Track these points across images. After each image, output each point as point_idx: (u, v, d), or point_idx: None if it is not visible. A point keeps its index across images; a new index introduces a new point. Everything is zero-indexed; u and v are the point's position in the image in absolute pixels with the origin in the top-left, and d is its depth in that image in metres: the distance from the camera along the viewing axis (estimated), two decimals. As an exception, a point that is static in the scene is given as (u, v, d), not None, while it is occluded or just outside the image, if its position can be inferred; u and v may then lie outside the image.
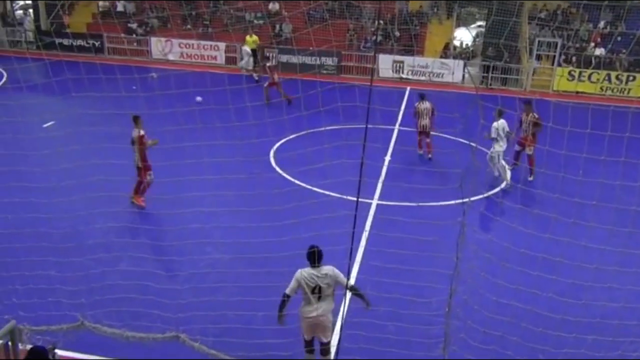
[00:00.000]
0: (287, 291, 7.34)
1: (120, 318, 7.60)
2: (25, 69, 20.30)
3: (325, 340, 7.52)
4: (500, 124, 13.69)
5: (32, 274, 8.14)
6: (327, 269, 7.37)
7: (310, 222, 9.72)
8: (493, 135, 13.62)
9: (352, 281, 8.62)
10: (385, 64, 26.15)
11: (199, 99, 18.96)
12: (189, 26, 28.91)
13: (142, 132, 12.15)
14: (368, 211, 12.38)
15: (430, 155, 15.91)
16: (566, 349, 7.50)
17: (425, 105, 15.70)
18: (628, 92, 24.51)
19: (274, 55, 26.51)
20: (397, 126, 18.80)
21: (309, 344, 7.52)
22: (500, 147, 13.80)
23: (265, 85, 20.03)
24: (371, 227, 11.59)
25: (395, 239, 9.43)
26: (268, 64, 21.27)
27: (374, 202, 12.97)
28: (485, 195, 12.92)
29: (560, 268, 8.41)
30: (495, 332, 7.86)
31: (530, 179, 14.21)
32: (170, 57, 27.78)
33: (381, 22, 28.15)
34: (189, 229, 10.43)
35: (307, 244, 8.91)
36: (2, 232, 9.11)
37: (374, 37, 27.44)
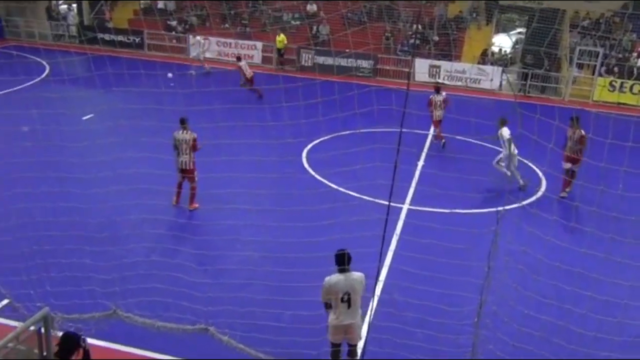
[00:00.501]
0: (322, 299, 7.23)
1: (151, 308, 7.71)
2: (68, 63, 20.90)
3: (354, 343, 7.48)
4: (504, 131, 14.01)
5: (67, 262, 8.33)
6: (357, 275, 7.24)
7: (340, 224, 9.73)
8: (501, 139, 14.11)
9: (379, 285, 8.59)
10: (421, 68, 25.98)
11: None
12: (227, 25, 29.22)
13: (195, 135, 12.10)
14: (399, 215, 12.32)
15: (443, 141, 16.82)
16: (598, 366, 7.34)
17: (440, 97, 16.75)
18: (671, 105, 23.85)
19: (311, 56, 26.63)
20: (431, 131, 18.65)
21: (336, 345, 7.50)
22: (504, 152, 14.09)
23: (241, 83, 20.87)
24: (402, 231, 11.52)
25: (425, 244, 9.35)
26: (241, 64, 21.51)
27: (405, 206, 12.90)
28: (520, 204, 12.72)
29: (595, 284, 8.21)
30: (524, 346, 7.72)
31: (563, 195, 13.84)
32: (208, 55, 28.09)
33: (419, 26, 28.00)
34: (222, 225, 10.54)
35: (337, 245, 8.90)
36: (39, 221, 9.33)
37: (411, 41, 27.29)
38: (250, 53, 27.57)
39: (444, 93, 17.07)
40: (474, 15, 28.85)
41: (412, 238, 10.32)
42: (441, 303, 8.35)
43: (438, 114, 16.71)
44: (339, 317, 7.15)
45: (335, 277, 7.12)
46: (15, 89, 19.76)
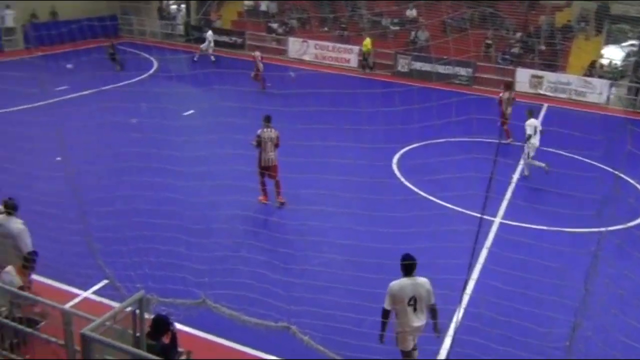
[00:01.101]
0: (386, 306, 7.17)
1: (237, 302, 7.95)
2: (175, 60, 21.97)
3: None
4: (532, 122, 14.65)
5: (164, 248, 8.77)
6: (423, 280, 7.16)
7: (428, 232, 9.57)
8: (529, 132, 14.48)
9: (465, 299, 8.36)
10: (522, 77, 25.04)
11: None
12: (326, 28, 29.58)
13: (278, 132, 12.40)
14: (490, 228, 11.94)
15: (510, 139, 16.61)
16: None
17: (508, 95, 17.17)
18: None
19: (407, 62, 26.42)
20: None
21: (409, 354, 7.40)
22: (535, 140, 14.64)
23: (252, 75, 22.03)
24: (492, 245, 11.16)
25: (517, 260, 9.01)
26: (257, 55, 22.95)
27: (498, 219, 12.47)
28: (624, 226, 11.95)
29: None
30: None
31: None
32: (306, 58, 28.59)
33: (522, 34, 27.00)
34: (308, 225, 10.68)
35: (424, 254, 8.77)
36: (142, 208, 9.87)
37: (513, 49, 26.38)
38: (346, 57, 27.75)
39: (512, 92, 17.74)
40: (583, 24, 27.42)
41: (503, 252, 9.96)
42: (530, 322, 8.01)
43: (509, 112, 16.99)
44: (409, 321, 7.10)
45: (401, 282, 7.08)
46: (126, 82, 21.05)
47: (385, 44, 26.99)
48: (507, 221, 12.42)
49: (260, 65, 22.54)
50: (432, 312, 7.26)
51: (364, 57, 27.01)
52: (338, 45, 28.19)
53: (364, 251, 9.74)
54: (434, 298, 7.23)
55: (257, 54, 23.15)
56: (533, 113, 15.14)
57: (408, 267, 7.10)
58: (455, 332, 7.26)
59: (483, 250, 10.50)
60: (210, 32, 27.95)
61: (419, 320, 7.15)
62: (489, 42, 26.75)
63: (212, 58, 26.82)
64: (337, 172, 11.56)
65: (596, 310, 7.07)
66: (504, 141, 16.53)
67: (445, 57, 24.53)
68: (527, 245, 9.98)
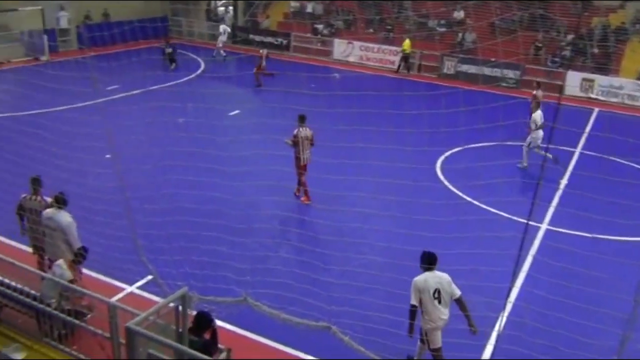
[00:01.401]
0: (413, 302, 7.26)
1: (277, 300, 8.01)
2: (221, 61, 22.16)
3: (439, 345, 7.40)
4: (538, 114, 15.14)
5: (207, 247, 8.91)
6: (443, 274, 7.29)
7: (471, 238, 9.43)
8: (540, 122, 14.96)
9: (508, 307, 8.20)
10: (572, 81, 24.37)
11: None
12: (371, 30, 29.49)
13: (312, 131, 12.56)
14: (535, 235, 11.66)
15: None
16: None
17: (541, 93, 17.43)
18: None
19: (454, 64, 26.09)
20: (578, 149, 17.46)
21: (439, 350, 7.39)
22: (538, 134, 15.04)
23: (254, 70, 22.46)
24: (537, 252, 10.90)
25: (563, 269, 8.77)
26: (264, 53, 23.24)
27: (544, 226, 12.17)
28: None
29: None
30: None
31: None
32: (351, 59, 28.57)
33: (574, 36, 26.27)
34: (349, 227, 10.66)
35: (465, 259, 8.66)
36: (186, 207, 10.06)
37: (564, 52, 25.71)
38: (391, 58, 27.59)
39: (541, 91, 17.80)
40: (638, 26, 26.49)
41: (548, 260, 9.72)
42: (576, 333, 7.78)
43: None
44: (436, 315, 7.20)
45: (424, 276, 7.25)
46: (174, 82, 21.50)
47: (431, 45, 26.73)
48: (554, 228, 12.11)
49: (264, 63, 22.84)
50: (461, 304, 7.29)
51: (402, 59, 26.81)
52: (383, 46, 28.06)
53: (404, 254, 9.65)
54: (458, 290, 7.26)
55: (264, 51, 23.48)
56: (539, 105, 15.65)
57: (430, 262, 7.26)
58: (497, 341, 7.11)
59: (528, 258, 10.27)
60: (223, 26, 28.79)
61: (444, 314, 7.25)
62: (539, 44, 26.15)
63: (223, 53, 27.73)
64: (379, 175, 11.53)
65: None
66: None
67: (493, 59, 24.12)
68: (573, 254, 9.71)
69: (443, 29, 28.49)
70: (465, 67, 25.75)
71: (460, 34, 27.83)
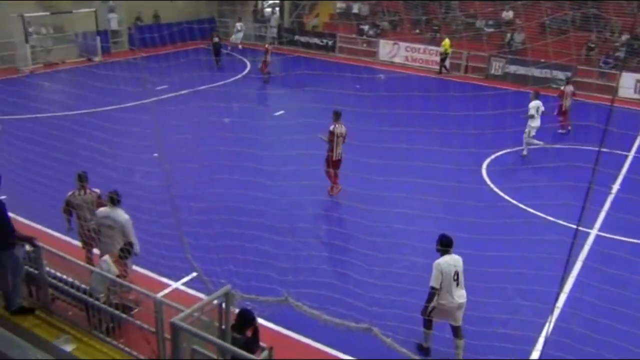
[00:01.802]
0: (434, 284, 7.53)
1: (319, 301, 8.03)
2: (267, 62, 22.34)
3: (459, 324, 7.64)
4: (535, 103, 15.73)
5: (250, 246, 9.01)
6: (457, 256, 7.65)
7: (517, 241, 9.24)
8: (531, 112, 15.64)
9: (556, 312, 8.00)
10: (627, 82, 23.54)
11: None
12: (417, 30, 29.22)
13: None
14: (585, 240, 11.32)
15: (570, 128, 18.08)
16: None
17: (570, 88, 18.12)
18: None
19: (501, 65, 25.59)
20: (632, 152, 16.86)
21: (430, 323, 7.72)
22: (535, 123, 15.75)
23: (259, 66, 23.10)
24: (587, 258, 10.58)
25: (614, 276, 8.48)
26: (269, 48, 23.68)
27: (594, 231, 11.80)
28: None
29: None
30: None
31: None
32: (396, 60, 28.39)
33: (629, 36, 25.37)
34: (393, 228, 10.60)
35: (510, 262, 8.48)
36: (231, 205, 10.19)
37: (617, 53, 24.86)
38: (438, 59, 27.25)
39: (571, 86, 18.36)
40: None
41: (599, 266, 9.41)
42: (626, 342, 7.52)
43: (567, 103, 18.08)
44: (454, 298, 7.54)
45: (444, 259, 7.60)
46: (221, 83, 21.83)
47: (478, 46, 26.29)
48: (605, 233, 11.73)
49: (269, 58, 23.12)
50: None
51: (441, 58, 26.46)
52: (429, 47, 27.75)
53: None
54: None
55: (269, 46, 23.97)
56: (538, 95, 16.13)
57: (447, 244, 7.66)
58: (544, 347, 6.95)
59: (577, 263, 9.99)
60: (240, 24, 29.59)
61: (463, 297, 7.61)
62: (592, 44, 25.37)
63: (240, 47, 28.78)
64: (422, 176, 11.40)
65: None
66: (560, 131, 18.08)
67: (542, 60, 23.53)
68: (625, 260, 9.37)
69: (491, 30, 27.99)
70: (513, 68, 25.22)
71: (508, 35, 27.28)
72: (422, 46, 27.90)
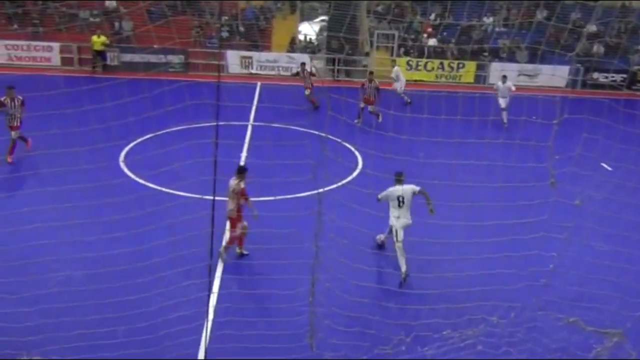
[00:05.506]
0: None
1: None
2: None
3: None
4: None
5: None
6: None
7: (168, 225, 9.43)
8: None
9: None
10: (233, 59, 25.98)
11: None
12: (16, 26, 26.37)
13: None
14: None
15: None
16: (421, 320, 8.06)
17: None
18: (459, 79, 26.65)
19: (115, 55, 25.23)
20: (250, 122, 18.77)
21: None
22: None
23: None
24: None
25: (267, 234, 9.40)
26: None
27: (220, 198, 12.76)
28: (338, 184, 13.35)
29: (416, 246, 8.98)
30: (358, 314, 8.19)
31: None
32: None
33: (227, 17, 27.85)
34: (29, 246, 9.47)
35: (167, 247, 8.63)
36: None
37: (222, 34, 27.09)
38: (46, 55, 25.23)
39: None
40: (278, 5, 29.44)
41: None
42: (277, 288, 8.50)
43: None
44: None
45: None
46: None
47: (88, 37, 25.16)
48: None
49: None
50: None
51: (94, 56, 25.01)
52: (34, 43, 25.31)
53: (109, 260, 9.11)
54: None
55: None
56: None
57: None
58: (214, 317, 7.28)
59: (225, 234, 10.66)
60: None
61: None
62: (197, 28, 26.96)
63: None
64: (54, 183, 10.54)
65: (329, 262, 7.78)
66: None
67: (155, 45, 24.00)
68: (268, 218, 10.44)
69: (97, 19, 27.16)
70: (129, 57, 25.18)
71: (116, 23, 26.98)
72: (25, 43, 25.32)
